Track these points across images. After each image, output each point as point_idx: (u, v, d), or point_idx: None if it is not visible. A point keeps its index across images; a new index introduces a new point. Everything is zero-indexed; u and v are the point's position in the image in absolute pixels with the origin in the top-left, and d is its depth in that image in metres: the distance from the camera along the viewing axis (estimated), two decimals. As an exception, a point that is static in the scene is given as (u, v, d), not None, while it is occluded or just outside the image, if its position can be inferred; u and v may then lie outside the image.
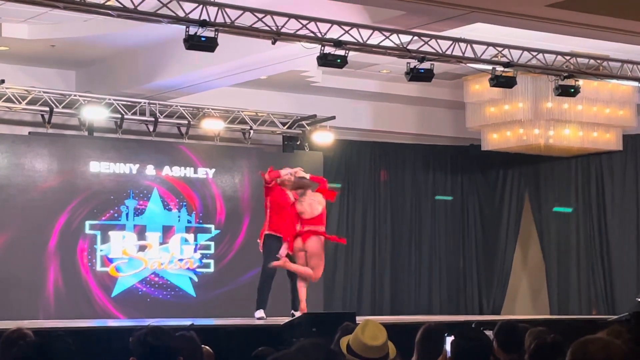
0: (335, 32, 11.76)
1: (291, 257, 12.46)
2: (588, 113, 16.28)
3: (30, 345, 4.09)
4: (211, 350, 6.27)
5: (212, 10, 10.97)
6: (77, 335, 8.91)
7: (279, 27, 11.35)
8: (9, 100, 14.54)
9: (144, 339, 4.63)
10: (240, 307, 14.76)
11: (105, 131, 15.59)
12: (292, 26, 11.43)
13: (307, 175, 12.65)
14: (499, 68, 13.21)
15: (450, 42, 12.59)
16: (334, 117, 16.75)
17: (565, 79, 13.78)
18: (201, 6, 10.89)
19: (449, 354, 5.31)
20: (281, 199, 12.50)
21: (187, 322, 9.32)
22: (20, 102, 14.61)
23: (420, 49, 12.43)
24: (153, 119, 15.57)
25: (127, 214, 15.22)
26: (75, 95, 15.00)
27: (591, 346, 3.70)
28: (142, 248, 15.29)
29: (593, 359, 3.66)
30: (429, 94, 17.55)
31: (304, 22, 11.51)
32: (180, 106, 15.79)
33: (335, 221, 17.52)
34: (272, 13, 11.33)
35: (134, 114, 15.44)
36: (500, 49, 13.18)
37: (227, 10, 11.05)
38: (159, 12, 10.79)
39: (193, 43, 11.01)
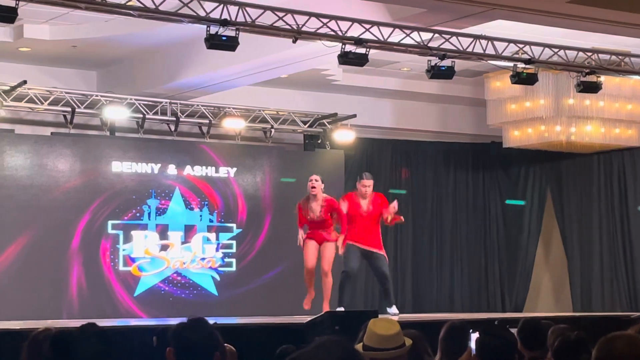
0: (355, 30, 11.75)
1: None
2: (610, 109, 16.20)
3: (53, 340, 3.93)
4: (234, 349, 6.28)
5: (233, 9, 10.98)
6: (100, 334, 8.92)
7: (300, 26, 11.34)
8: (31, 101, 14.60)
9: (183, 329, 4.56)
10: (262, 305, 14.81)
11: (126, 131, 15.64)
12: (313, 25, 11.42)
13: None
14: (520, 65, 13.17)
15: (471, 39, 12.57)
16: (354, 116, 16.74)
17: (587, 75, 13.72)
18: (222, 5, 10.90)
19: (473, 351, 5.28)
20: (354, 209, 13.02)
21: (209, 321, 9.34)
22: (42, 103, 14.67)
23: (441, 47, 12.41)
24: (174, 119, 15.61)
25: (149, 214, 15.26)
26: (96, 96, 15.05)
27: (617, 342, 3.69)
28: (164, 247, 15.33)
29: (619, 355, 3.65)
30: (450, 91, 17.53)
31: (325, 20, 11.50)
32: (202, 105, 15.82)
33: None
34: (293, 12, 11.33)
35: (155, 113, 15.47)
36: (521, 45, 13.13)
37: (248, 9, 11.06)
38: (179, 11, 10.81)
39: (214, 42, 11.02)
